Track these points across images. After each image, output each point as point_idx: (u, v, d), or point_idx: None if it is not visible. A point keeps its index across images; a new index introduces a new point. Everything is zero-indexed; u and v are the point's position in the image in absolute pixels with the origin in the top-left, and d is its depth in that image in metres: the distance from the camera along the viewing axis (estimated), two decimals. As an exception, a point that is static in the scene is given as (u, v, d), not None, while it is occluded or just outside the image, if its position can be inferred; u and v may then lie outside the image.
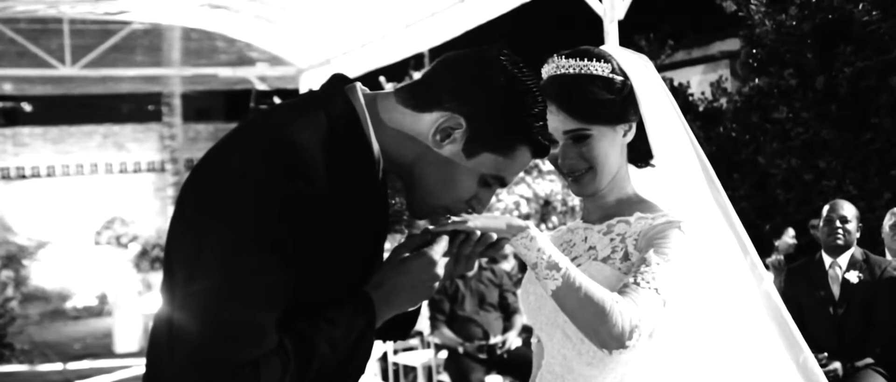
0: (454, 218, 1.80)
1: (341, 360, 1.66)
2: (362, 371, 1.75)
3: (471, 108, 1.75)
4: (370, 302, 1.71)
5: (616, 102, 2.16)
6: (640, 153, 2.28)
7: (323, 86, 1.80)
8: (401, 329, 1.98)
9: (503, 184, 1.82)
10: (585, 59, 2.18)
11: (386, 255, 1.83)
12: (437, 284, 1.79)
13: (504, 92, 1.75)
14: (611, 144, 2.18)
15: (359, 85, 1.81)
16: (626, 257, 2.12)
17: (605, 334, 1.91)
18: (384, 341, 2.03)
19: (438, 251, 1.77)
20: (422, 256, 1.76)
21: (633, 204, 2.24)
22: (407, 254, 1.78)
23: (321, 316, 1.65)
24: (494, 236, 1.85)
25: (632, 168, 2.32)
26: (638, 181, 2.33)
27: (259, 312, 1.55)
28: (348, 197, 1.67)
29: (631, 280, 2.00)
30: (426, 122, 1.76)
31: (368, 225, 1.78)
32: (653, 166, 2.31)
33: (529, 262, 1.94)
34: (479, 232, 1.83)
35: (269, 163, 1.59)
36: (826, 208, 5.77)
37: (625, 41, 6.38)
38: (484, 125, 1.75)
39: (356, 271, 1.76)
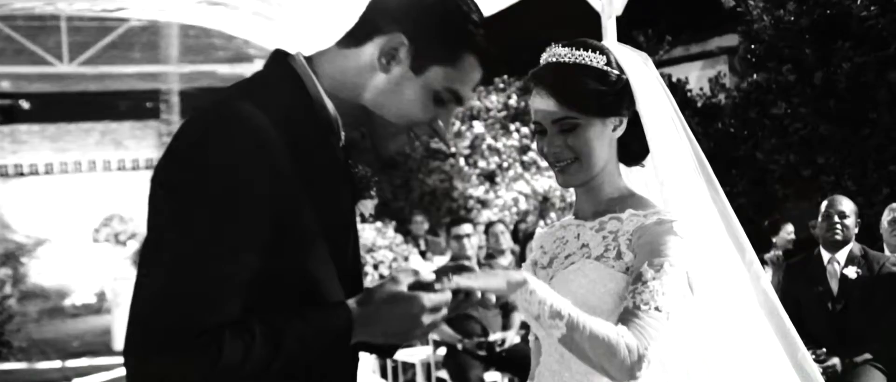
0: (457, 279, 1.77)
1: (311, 360, 1.64)
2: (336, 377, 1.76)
3: (410, 25, 1.74)
4: (349, 313, 1.68)
5: (608, 95, 2.16)
6: (631, 152, 2.27)
7: (265, 63, 1.81)
8: (386, 347, 1.97)
9: (459, 100, 1.81)
10: (581, 50, 2.18)
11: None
12: (417, 333, 1.74)
13: (441, 2, 1.76)
14: (599, 136, 2.18)
15: (298, 53, 1.81)
16: (619, 256, 2.12)
17: (614, 370, 1.93)
18: (370, 353, 2.02)
19: (431, 301, 1.71)
20: (413, 301, 1.70)
21: (625, 199, 2.23)
22: (403, 288, 1.72)
23: (297, 312, 1.63)
24: (494, 298, 1.84)
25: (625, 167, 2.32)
26: (635, 177, 2.33)
27: (210, 281, 1.55)
28: (307, 165, 1.67)
29: (631, 303, 2.00)
30: (369, 52, 1.76)
31: (334, 190, 1.77)
32: (642, 166, 2.31)
33: (532, 314, 1.94)
34: (479, 294, 1.81)
35: (218, 135, 1.59)
36: (824, 204, 5.77)
37: (623, 37, 6.37)
38: (426, 38, 1.75)
39: (335, 241, 1.75)
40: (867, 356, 5.38)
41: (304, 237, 1.68)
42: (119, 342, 11.87)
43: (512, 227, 10.76)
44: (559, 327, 1.92)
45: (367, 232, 7.48)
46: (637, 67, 2.24)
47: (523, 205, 12.97)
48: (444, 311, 1.75)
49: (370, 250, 7.35)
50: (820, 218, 5.74)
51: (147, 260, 1.59)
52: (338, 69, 1.79)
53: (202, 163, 1.57)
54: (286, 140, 1.63)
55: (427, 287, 1.74)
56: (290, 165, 1.62)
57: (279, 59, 1.80)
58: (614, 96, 2.17)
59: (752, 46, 8.57)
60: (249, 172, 1.57)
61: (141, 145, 17.48)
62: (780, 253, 6.97)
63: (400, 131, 1.81)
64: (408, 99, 1.78)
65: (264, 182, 1.59)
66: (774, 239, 7.54)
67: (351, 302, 1.70)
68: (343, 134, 1.79)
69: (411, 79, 1.77)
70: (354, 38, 1.78)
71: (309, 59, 1.81)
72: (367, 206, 8.09)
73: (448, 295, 1.74)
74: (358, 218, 1.86)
